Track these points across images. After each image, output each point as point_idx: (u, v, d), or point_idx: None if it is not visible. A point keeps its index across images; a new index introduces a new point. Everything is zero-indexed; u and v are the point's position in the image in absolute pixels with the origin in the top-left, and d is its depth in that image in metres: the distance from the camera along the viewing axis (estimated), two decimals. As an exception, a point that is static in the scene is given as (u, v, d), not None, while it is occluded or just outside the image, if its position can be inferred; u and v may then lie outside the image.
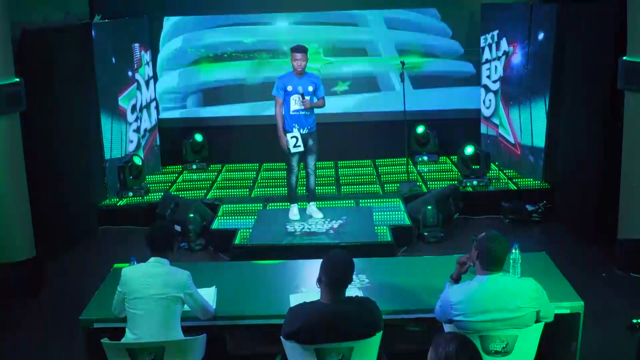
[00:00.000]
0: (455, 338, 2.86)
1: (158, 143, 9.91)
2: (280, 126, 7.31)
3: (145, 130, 9.48)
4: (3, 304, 6.30)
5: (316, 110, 7.42)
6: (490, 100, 9.79)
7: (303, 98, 7.16)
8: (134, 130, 9.08)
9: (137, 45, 9.22)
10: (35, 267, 6.65)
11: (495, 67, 9.64)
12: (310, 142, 7.36)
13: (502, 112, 9.38)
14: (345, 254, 3.87)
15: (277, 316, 3.96)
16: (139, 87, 9.30)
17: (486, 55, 9.68)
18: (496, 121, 9.69)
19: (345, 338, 3.72)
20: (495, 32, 9.46)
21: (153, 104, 9.76)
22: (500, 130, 9.48)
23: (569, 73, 7.92)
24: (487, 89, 9.77)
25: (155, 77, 9.86)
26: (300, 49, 7.20)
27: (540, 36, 8.46)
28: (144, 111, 9.46)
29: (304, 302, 3.88)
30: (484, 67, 9.74)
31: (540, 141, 8.62)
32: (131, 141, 9.03)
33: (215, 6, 9.75)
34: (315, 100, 7.29)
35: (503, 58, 9.35)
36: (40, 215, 6.94)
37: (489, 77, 9.71)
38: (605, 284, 6.46)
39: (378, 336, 3.82)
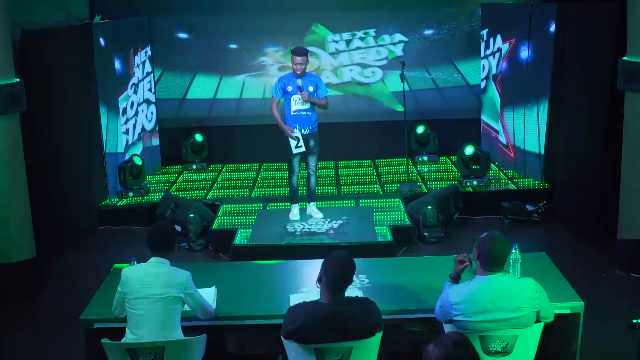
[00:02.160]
0: (454, 339, 2.86)
1: (157, 144, 9.90)
2: (279, 119, 7.30)
3: (138, 131, 9.45)
4: (3, 304, 6.30)
5: (317, 110, 7.42)
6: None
7: (301, 91, 7.14)
8: (123, 133, 9.05)
9: (134, 45, 9.22)
10: (35, 267, 6.65)
11: (483, 65, 9.66)
12: (312, 142, 7.36)
13: (497, 112, 9.40)
14: (347, 255, 3.87)
15: (278, 316, 3.96)
16: (135, 89, 9.31)
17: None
18: (486, 119, 9.72)
19: (344, 338, 3.72)
20: (485, 31, 9.47)
21: (146, 105, 9.70)
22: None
23: (569, 73, 7.92)
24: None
25: (154, 78, 9.85)
26: (301, 52, 7.17)
27: (540, 36, 8.45)
28: (137, 112, 9.43)
29: (304, 302, 3.89)
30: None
31: (540, 142, 8.62)
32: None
33: (215, 7, 9.74)
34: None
35: (492, 57, 9.37)
36: (40, 215, 6.94)
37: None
38: (605, 284, 6.46)
39: (378, 337, 3.82)
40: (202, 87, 10.06)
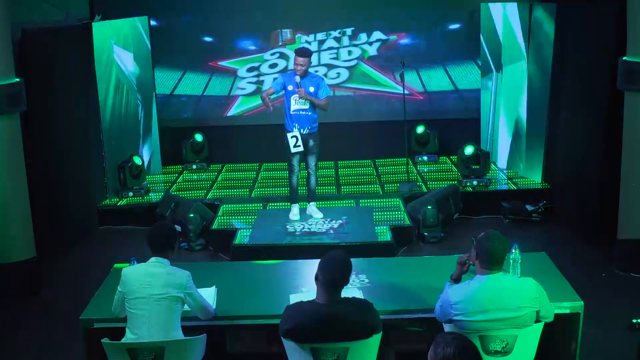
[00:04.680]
0: (455, 339, 2.86)
1: (157, 143, 9.91)
2: (265, 99, 7.30)
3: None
4: (3, 304, 6.30)
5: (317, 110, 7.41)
6: None
7: (299, 87, 7.12)
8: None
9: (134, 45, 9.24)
10: (35, 267, 6.65)
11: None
12: (311, 142, 7.35)
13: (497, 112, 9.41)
14: (343, 255, 3.88)
15: (277, 316, 3.96)
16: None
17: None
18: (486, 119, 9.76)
19: (339, 338, 3.72)
20: (485, 31, 9.47)
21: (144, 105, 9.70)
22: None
23: (569, 73, 7.91)
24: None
25: (154, 78, 9.84)
26: (303, 53, 7.16)
27: (540, 36, 8.45)
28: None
29: (301, 301, 3.90)
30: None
31: (540, 142, 8.62)
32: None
33: (215, 7, 9.75)
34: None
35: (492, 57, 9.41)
36: (40, 215, 6.94)
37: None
38: (605, 284, 6.46)
39: (375, 338, 3.82)
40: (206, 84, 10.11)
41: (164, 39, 9.81)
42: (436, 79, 10.00)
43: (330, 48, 9.96)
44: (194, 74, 10.00)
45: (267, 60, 9.94)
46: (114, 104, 8.72)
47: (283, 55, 9.94)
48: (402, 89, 8.61)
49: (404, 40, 9.89)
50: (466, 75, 9.99)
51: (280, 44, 9.82)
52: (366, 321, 3.76)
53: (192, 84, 10.06)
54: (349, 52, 9.97)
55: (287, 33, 9.78)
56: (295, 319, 3.74)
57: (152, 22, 9.65)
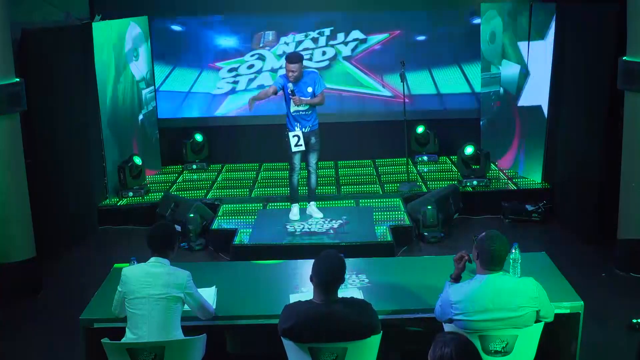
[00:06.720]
0: (454, 339, 2.86)
1: (157, 143, 9.91)
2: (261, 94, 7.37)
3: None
4: (3, 304, 6.30)
5: (317, 109, 7.40)
6: None
7: (293, 95, 7.12)
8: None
9: (134, 45, 9.23)
10: (35, 267, 6.65)
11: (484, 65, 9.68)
12: (313, 140, 7.36)
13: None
14: (336, 255, 3.88)
15: (277, 316, 3.96)
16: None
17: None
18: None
19: (336, 338, 3.72)
20: (485, 31, 9.46)
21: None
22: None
23: (569, 73, 7.92)
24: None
25: (154, 77, 9.85)
26: (293, 59, 7.06)
27: (540, 36, 8.45)
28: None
29: (299, 301, 3.92)
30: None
31: (540, 141, 8.61)
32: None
33: (214, 7, 9.75)
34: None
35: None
36: (40, 215, 6.94)
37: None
38: (605, 284, 6.46)
39: (375, 338, 3.82)
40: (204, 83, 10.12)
41: (165, 38, 9.82)
42: (436, 79, 10.00)
43: (306, 49, 9.93)
44: (185, 71, 10.03)
45: (247, 62, 9.96)
46: (114, 103, 8.73)
47: (261, 57, 9.96)
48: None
49: (399, 40, 9.88)
50: (467, 76, 9.98)
51: (261, 45, 9.85)
52: (363, 321, 3.76)
53: (183, 82, 10.08)
54: (323, 53, 9.97)
55: (269, 35, 9.83)
56: (293, 318, 3.75)
57: (153, 23, 9.66)
